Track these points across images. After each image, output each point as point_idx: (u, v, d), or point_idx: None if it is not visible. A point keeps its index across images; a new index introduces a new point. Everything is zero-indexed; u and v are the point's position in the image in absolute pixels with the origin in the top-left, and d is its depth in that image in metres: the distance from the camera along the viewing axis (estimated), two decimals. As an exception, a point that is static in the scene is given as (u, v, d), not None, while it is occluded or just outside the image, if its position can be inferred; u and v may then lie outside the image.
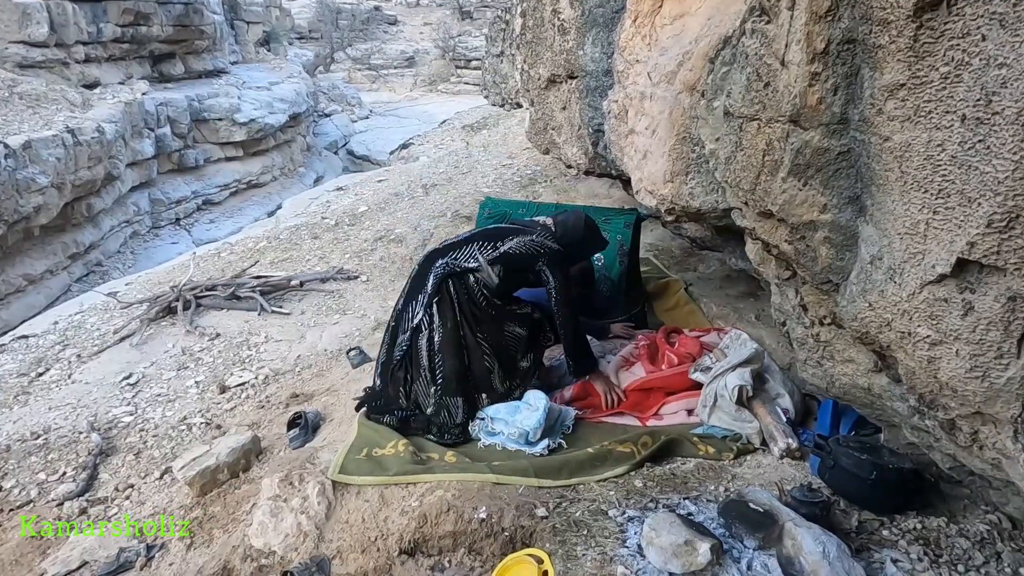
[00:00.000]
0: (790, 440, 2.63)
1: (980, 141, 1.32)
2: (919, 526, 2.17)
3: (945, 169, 1.43)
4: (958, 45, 1.38)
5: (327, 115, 21.71)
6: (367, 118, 22.43)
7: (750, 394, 2.81)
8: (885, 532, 2.17)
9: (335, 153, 19.90)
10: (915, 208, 1.53)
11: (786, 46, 1.93)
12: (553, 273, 2.86)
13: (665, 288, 4.36)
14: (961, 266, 1.40)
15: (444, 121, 17.23)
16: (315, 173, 17.42)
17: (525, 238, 2.91)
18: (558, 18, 3.44)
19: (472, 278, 2.86)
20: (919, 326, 1.53)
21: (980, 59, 1.32)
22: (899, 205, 1.60)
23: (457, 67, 26.33)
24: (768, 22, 2.05)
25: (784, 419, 2.76)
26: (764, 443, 2.72)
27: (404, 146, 15.23)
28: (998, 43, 1.27)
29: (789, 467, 2.59)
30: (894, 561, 2.00)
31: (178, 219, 14.17)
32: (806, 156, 1.90)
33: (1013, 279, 1.29)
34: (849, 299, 1.82)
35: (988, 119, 1.30)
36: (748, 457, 2.69)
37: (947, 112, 1.42)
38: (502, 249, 2.88)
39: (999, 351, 1.35)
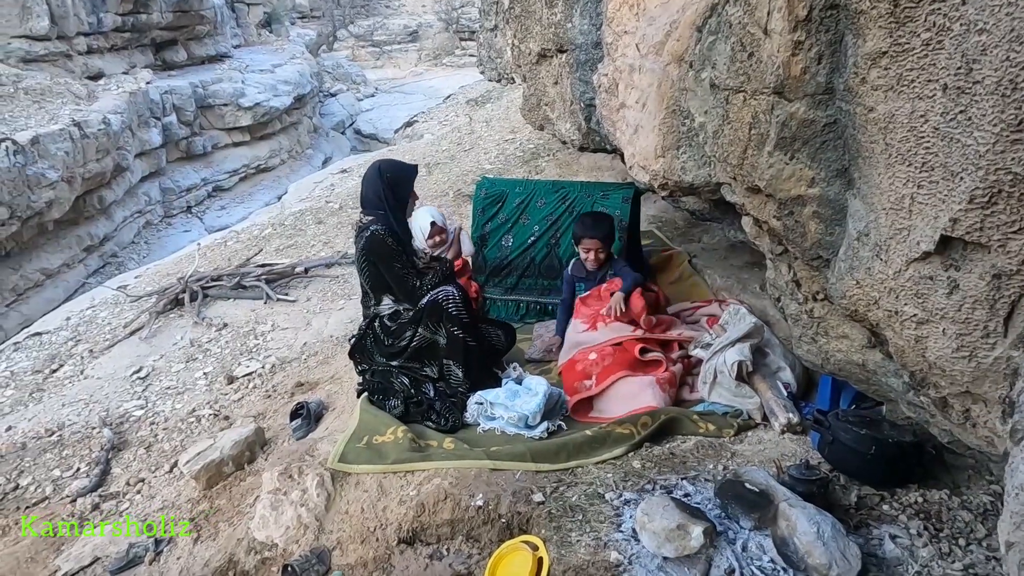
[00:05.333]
0: (791, 415, 2.59)
1: (961, 112, 1.26)
2: (920, 499, 2.13)
3: (928, 141, 1.37)
4: (939, 9, 1.31)
5: (332, 95, 21.55)
6: (373, 96, 22.25)
7: (750, 369, 2.77)
8: (885, 507, 2.13)
9: (342, 133, 19.79)
10: (900, 182, 1.47)
11: (768, 14, 1.85)
12: None
13: (669, 261, 4.30)
14: (945, 243, 1.34)
15: (449, 96, 17.04)
16: (323, 154, 17.37)
17: None
18: (545, -10, 3.35)
19: None
20: (906, 304, 1.48)
21: (961, 24, 1.25)
22: (884, 179, 1.54)
23: (461, 39, 25.94)
24: (751, -12, 1.96)
25: (785, 393, 2.73)
26: (765, 418, 2.69)
27: (408, 124, 15.09)
28: (978, 7, 1.20)
29: (790, 442, 2.56)
30: (892, 537, 1.97)
31: (189, 207, 14.22)
32: (792, 129, 1.83)
33: (997, 256, 1.23)
34: (838, 276, 1.77)
35: (969, 88, 1.23)
36: (749, 433, 2.66)
37: (929, 81, 1.35)
38: None
39: (985, 330, 1.30)
